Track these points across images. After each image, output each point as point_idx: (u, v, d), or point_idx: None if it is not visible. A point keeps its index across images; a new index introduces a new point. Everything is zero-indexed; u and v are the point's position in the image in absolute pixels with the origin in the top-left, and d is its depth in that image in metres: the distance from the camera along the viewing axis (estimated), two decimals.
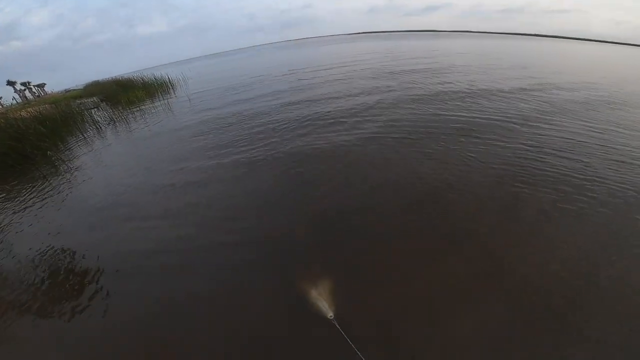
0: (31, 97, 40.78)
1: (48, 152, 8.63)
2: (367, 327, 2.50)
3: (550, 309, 2.56)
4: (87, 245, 4.10)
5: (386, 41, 45.67)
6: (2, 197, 6.12)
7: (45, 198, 5.72)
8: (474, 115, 7.18)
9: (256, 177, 5.22)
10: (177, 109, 12.68)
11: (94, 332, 2.83)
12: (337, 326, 2.42)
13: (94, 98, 19.30)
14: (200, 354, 2.50)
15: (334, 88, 11.41)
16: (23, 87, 41.49)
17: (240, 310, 2.81)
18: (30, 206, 5.47)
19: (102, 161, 7.46)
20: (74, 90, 34.58)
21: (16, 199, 5.88)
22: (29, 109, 14.05)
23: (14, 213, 5.30)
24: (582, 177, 4.47)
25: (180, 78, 23.80)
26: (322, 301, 2.67)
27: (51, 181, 6.57)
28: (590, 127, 6.46)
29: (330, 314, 2.55)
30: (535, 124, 6.57)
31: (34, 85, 43.64)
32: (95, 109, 14.92)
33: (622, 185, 4.26)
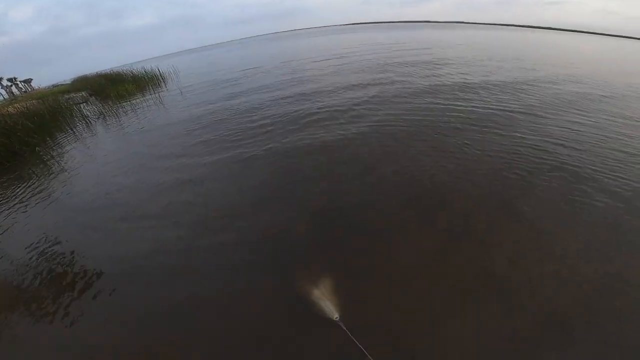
0: (18, 92, 39.91)
1: (37, 148, 8.47)
2: (371, 327, 2.47)
3: (551, 308, 2.58)
4: (81, 245, 4.04)
5: (380, 32, 45.26)
6: None
7: (36, 196, 5.62)
8: (471, 106, 7.17)
9: (253, 173, 5.16)
10: (169, 102, 12.49)
11: (93, 332, 2.80)
12: (344, 328, 2.36)
13: (83, 93, 18.96)
14: (200, 355, 2.48)
15: (328, 81, 11.29)
16: (9, 83, 40.56)
17: (241, 311, 2.79)
18: (20, 204, 5.37)
19: (93, 157, 7.33)
20: (62, 85, 33.92)
21: (6, 197, 5.76)
22: (16, 105, 13.73)
23: (4, 212, 5.20)
24: (579, 166, 4.53)
25: (171, 71, 23.42)
26: (326, 302, 2.62)
27: (41, 179, 6.45)
28: (585, 116, 6.50)
29: (335, 315, 2.49)
30: (534, 116, 6.58)
31: (20, 81, 42.69)
32: (84, 104, 14.66)
33: (618, 175, 4.32)
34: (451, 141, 5.51)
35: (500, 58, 13.45)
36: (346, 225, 3.68)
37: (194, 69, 26.43)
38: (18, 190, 6.03)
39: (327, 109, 7.82)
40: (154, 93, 15.42)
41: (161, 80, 19.73)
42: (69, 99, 15.84)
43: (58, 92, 22.29)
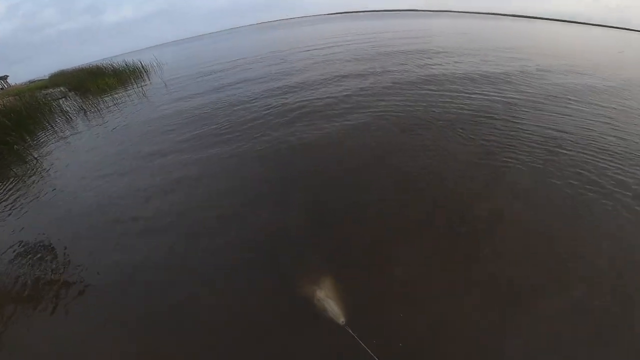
0: None
1: (15, 146, 8.13)
2: (377, 331, 2.36)
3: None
4: (74, 247, 3.88)
5: (368, 21, 44.95)
6: None
7: (20, 198, 5.37)
8: (462, 97, 7.12)
9: (247, 169, 5.01)
10: (153, 96, 12.14)
11: (91, 334, 2.71)
12: (352, 333, 2.22)
13: (61, 88, 18.31)
14: (200, 356, 2.41)
15: (319, 71, 11.08)
16: None
17: (241, 311, 2.71)
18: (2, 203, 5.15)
19: (77, 155, 7.06)
20: (39, 81, 32.69)
21: None
22: None
23: None
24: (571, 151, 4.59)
25: (154, 64, 22.77)
26: (330, 305, 2.48)
27: (23, 178, 6.18)
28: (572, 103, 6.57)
29: (341, 319, 2.35)
30: (525, 104, 6.59)
31: None
32: (63, 99, 14.16)
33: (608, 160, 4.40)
34: (450, 134, 5.46)
35: (492, 47, 13.41)
36: (344, 221, 3.61)
37: (178, 61, 25.77)
38: None
39: (319, 101, 7.64)
40: (137, 86, 14.97)
41: (144, 73, 19.18)
42: (46, 94, 15.27)
43: (35, 87, 21.50)
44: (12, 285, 3.37)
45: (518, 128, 5.43)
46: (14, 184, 6.03)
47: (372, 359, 2.06)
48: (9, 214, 4.87)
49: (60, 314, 2.93)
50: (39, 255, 3.81)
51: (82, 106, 11.84)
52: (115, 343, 2.61)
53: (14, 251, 3.95)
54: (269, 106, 7.77)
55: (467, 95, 7.18)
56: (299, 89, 8.97)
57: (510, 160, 4.48)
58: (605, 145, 4.79)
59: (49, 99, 13.24)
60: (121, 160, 6.21)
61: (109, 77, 16.63)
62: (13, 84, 43.24)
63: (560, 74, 9.17)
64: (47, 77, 29.03)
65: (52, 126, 10.04)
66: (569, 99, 6.88)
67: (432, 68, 9.97)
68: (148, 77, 17.93)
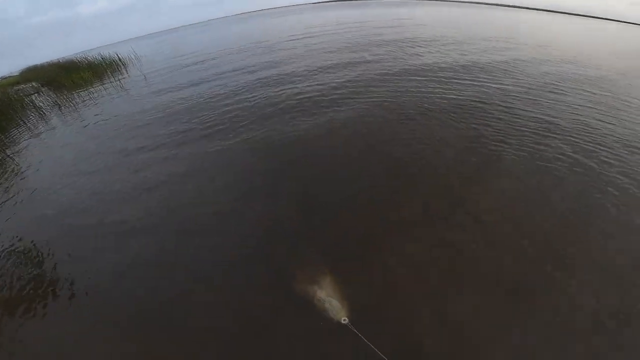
0: None
1: None
2: (379, 326, 2.34)
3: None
4: (59, 248, 3.75)
5: (352, 10, 44.44)
6: None
7: None
8: (453, 84, 7.18)
9: (236, 163, 4.93)
10: (132, 89, 11.80)
11: (84, 335, 2.67)
12: (355, 331, 2.18)
13: (33, 83, 17.62)
14: (196, 354, 2.38)
15: (304, 62, 10.92)
16: None
17: (239, 307, 2.68)
18: None
19: (50, 152, 6.82)
20: (10, 77, 31.27)
21: None
22: None
23: None
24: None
25: (132, 56, 22.12)
26: (331, 304, 2.42)
27: None
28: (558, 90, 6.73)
29: (343, 318, 2.30)
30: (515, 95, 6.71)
31: None
32: (36, 95, 13.65)
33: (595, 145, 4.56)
34: (441, 120, 5.52)
35: (481, 37, 13.49)
36: (338, 212, 3.62)
37: (158, 53, 25.03)
38: None
39: (307, 91, 7.54)
40: (115, 80, 14.52)
41: (121, 66, 18.60)
42: (18, 90, 14.68)
43: (7, 84, 20.59)
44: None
45: (508, 113, 5.53)
46: None
47: (376, 354, 2.04)
48: None
49: (51, 315, 2.86)
50: (22, 258, 3.68)
51: (56, 101, 11.43)
52: (108, 342, 2.57)
53: None
54: (255, 98, 7.64)
55: (458, 82, 7.23)
56: (285, 79, 8.84)
57: (500, 144, 4.58)
58: (593, 130, 4.96)
59: (21, 94, 12.72)
60: (102, 156, 6.01)
61: (84, 71, 16.06)
62: None
63: (551, 63, 9.31)
64: (18, 74, 27.77)
65: (25, 122, 9.67)
66: (559, 87, 7.02)
67: (420, 57, 9.94)
68: (126, 70, 17.40)
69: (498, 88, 6.75)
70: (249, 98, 7.69)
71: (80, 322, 2.79)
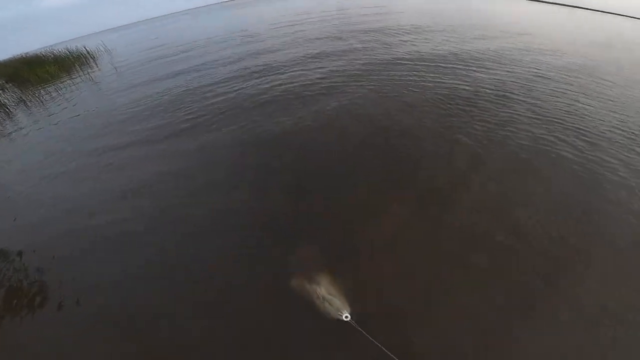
0: None
1: None
2: (380, 321, 2.29)
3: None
4: (41, 257, 3.50)
5: None
6: None
7: None
8: (439, 74, 7.14)
9: (223, 158, 4.75)
10: (104, 83, 11.31)
11: (84, 335, 2.55)
12: (358, 328, 2.11)
13: None
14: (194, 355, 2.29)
15: (289, 51, 10.63)
16: None
17: (239, 308, 2.57)
18: None
19: (20, 153, 6.44)
20: None
21: None
22: None
23: None
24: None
25: (102, 49, 21.16)
26: (331, 300, 2.34)
27: None
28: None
29: (345, 314, 2.23)
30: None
31: None
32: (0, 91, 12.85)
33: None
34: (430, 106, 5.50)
35: (461, 25, 13.39)
36: (331, 203, 3.56)
37: (132, 45, 24.07)
38: None
39: (292, 82, 7.31)
40: (84, 74, 13.87)
41: (90, 59, 17.75)
42: None
43: None
44: None
45: (499, 103, 5.56)
46: None
47: (380, 350, 1.98)
48: None
49: (46, 318, 2.72)
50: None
51: (21, 97, 10.82)
52: (108, 342, 2.47)
53: None
54: (239, 89, 7.40)
55: (443, 69, 7.21)
56: (270, 69, 8.58)
57: (483, 124, 4.73)
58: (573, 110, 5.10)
59: None
60: (78, 156, 5.67)
61: (49, 65, 15.22)
62: None
63: (531, 52, 9.42)
64: None
65: None
66: (539, 75, 7.14)
67: (403, 46, 9.82)
68: (96, 63, 16.66)
69: (486, 76, 6.77)
70: (232, 89, 7.44)
71: (77, 324, 2.66)
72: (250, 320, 2.44)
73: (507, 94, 5.76)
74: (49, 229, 3.87)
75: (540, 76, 6.66)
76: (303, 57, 9.41)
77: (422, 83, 6.40)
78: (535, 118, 4.89)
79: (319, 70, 7.93)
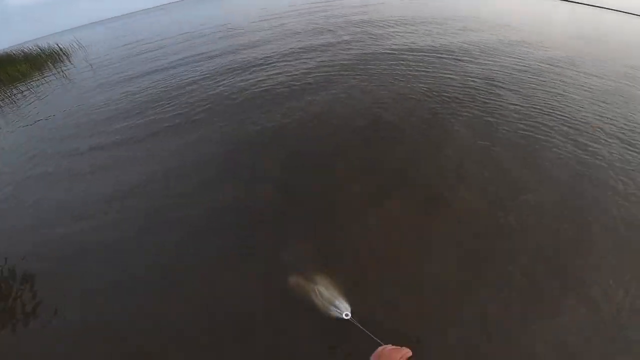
0: None
1: None
2: (383, 317, 2.25)
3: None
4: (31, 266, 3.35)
5: None
6: None
7: None
8: (425, 67, 7.16)
9: (213, 156, 4.61)
10: (79, 81, 10.95)
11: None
12: (361, 327, 1.97)
13: None
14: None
15: (272, 46, 10.42)
16: None
17: (236, 307, 2.52)
18: None
19: None
20: None
21: None
22: None
23: None
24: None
25: (75, 46, 20.40)
26: (330, 298, 2.28)
27: None
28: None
29: (345, 312, 2.16)
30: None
31: None
32: None
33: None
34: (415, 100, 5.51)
35: (444, 17, 13.44)
36: (322, 199, 3.53)
37: (106, 41, 23.28)
38: None
39: (277, 77, 7.16)
40: (58, 72, 13.35)
41: (64, 56, 17.10)
42: None
43: None
44: None
45: (489, 92, 5.66)
46: None
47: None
48: None
49: (26, 331, 2.60)
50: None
51: None
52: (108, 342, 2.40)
53: None
54: (222, 85, 7.23)
55: (429, 60, 7.23)
56: (253, 65, 8.41)
57: (468, 113, 4.82)
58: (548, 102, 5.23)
59: None
60: (60, 158, 5.40)
61: (20, 64, 14.60)
62: None
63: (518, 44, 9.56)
64: None
65: None
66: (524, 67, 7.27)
67: (389, 38, 9.78)
68: (70, 61, 16.06)
69: (475, 67, 6.84)
70: (216, 85, 7.28)
71: (63, 337, 2.53)
72: (248, 320, 2.39)
73: (494, 83, 5.84)
74: (32, 234, 3.70)
75: (525, 67, 6.77)
76: (288, 50, 9.28)
77: (410, 74, 6.42)
78: (521, 106, 5.00)
79: (306, 63, 7.85)
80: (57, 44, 18.38)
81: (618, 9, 14.79)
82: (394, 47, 8.44)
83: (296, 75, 7.07)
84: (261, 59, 8.80)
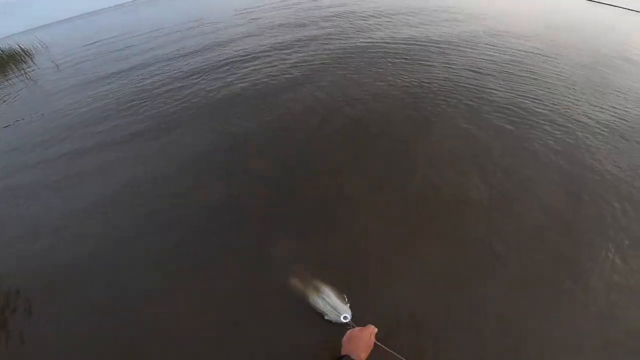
0: None
1: None
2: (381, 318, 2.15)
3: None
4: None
5: None
6: None
7: None
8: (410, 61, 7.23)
9: (199, 157, 4.48)
10: (45, 82, 10.44)
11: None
12: (393, 352, 1.82)
13: None
14: None
15: (251, 41, 10.18)
16: None
17: (230, 315, 2.46)
18: None
19: None
20: None
21: None
22: None
23: None
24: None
25: (38, 46, 19.42)
26: (328, 301, 2.21)
27: None
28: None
29: (344, 315, 2.09)
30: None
31: None
32: None
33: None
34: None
35: (425, 8, 13.59)
36: (311, 194, 3.51)
37: (73, 40, 22.15)
38: None
39: (257, 74, 6.97)
40: (21, 73, 12.70)
41: (26, 56, 16.28)
42: None
43: None
44: None
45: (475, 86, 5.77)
46: None
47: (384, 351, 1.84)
48: None
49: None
50: None
51: None
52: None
53: None
54: (200, 83, 7.03)
55: (412, 52, 7.30)
56: (232, 62, 8.16)
57: (448, 100, 5.00)
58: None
59: None
60: (33, 166, 5.08)
61: None
62: None
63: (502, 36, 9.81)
64: None
65: None
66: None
67: (370, 30, 9.73)
68: (33, 61, 15.28)
69: (458, 58, 6.97)
70: (190, 84, 7.08)
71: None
72: (242, 325, 2.34)
73: (479, 72, 6.03)
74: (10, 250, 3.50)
75: (508, 57, 7.01)
76: (267, 46, 9.13)
77: (394, 65, 6.47)
78: (501, 91, 5.23)
79: (285, 58, 7.76)
80: (19, 45, 17.44)
81: (601, 1, 15.51)
82: (376, 38, 8.48)
83: (276, 70, 6.97)
84: (238, 55, 8.60)
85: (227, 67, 7.74)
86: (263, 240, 2.96)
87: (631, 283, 2.39)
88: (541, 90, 5.39)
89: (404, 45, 7.74)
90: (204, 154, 4.47)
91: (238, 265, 2.81)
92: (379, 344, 1.78)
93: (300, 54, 7.92)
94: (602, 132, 4.24)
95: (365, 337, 1.72)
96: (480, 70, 6.10)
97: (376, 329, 1.81)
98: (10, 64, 15.01)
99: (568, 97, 5.20)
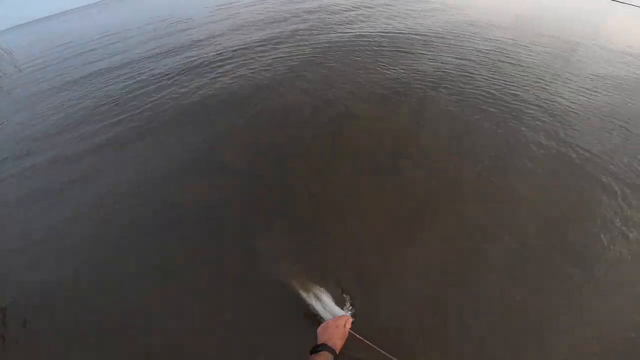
0: None
1: None
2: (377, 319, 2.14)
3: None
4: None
5: None
6: None
7: None
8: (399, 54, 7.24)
9: (186, 160, 4.35)
10: (9, 88, 9.99)
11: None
12: (358, 337, 1.81)
13: None
14: None
15: (228, 39, 9.89)
16: None
17: (220, 318, 2.35)
18: None
19: None
20: None
21: None
22: None
23: None
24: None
25: (0, 51, 18.48)
26: (326, 301, 2.15)
27: None
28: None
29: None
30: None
31: None
32: None
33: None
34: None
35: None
36: (299, 191, 3.47)
37: (37, 44, 21.18)
38: None
39: (238, 72, 6.76)
40: None
41: None
42: None
43: None
44: None
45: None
46: None
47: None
48: None
49: None
50: None
51: None
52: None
53: None
54: (176, 86, 6.72)
55: (395, 44, 7.33)
56: (208, 61, 7.86)
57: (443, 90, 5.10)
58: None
59: None
60: (18, 177, 4.76)
61: None
62: None
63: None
64: None
65: None
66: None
67: (351, 23, 9.61)
68: None
69: (446, 50, 7.04)
70: (166, 85, 6.82)
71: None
72: (237, 327, 2.27)
73: (463, 61, 6.10)
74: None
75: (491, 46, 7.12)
76: (244, 43, 8.88)
77: (377, 58, 6.46)
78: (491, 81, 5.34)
79: (265, 55, 7.57)
80: None
81: None
82: (357, 32, 8.43)
83: (257, 69, 6.79)
84: (215, 54, 8.31)
85: (202, 68, 7.48)
86: (255, 240, 2.90)
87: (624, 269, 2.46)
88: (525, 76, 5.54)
89: (386, 38, 7.73)
90: (186, 156, 4.34)
91: (228, 266, 2.73)
92: (352, 332, 1.83)
93: (280, 51, 7.73)
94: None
95: (340, 325, 1.79)
96: (466, 59, 6.20)
97: (352, 318, 1.93)
98: None
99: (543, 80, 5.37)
